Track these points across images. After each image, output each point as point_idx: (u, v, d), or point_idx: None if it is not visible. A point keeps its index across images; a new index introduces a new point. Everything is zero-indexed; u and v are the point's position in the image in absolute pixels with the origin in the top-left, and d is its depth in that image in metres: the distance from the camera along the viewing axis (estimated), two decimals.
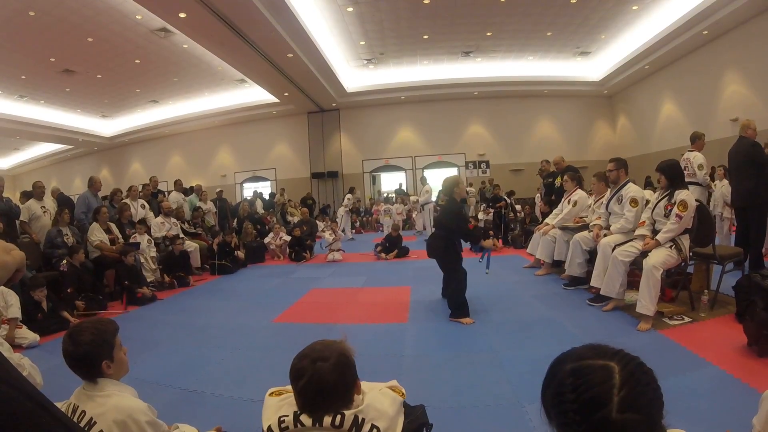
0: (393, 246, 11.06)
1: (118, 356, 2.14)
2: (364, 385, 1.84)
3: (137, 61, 15.51)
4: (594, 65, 19.08)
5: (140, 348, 4.90)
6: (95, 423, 1.98)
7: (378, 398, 1.73)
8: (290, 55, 14.20)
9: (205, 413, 3.40)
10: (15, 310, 5.31)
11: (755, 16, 12.94)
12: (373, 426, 1.62)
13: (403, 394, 1.87)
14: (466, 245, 6.19)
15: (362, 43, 15.76)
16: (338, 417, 1.60)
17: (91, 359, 2.06)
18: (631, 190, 6.00)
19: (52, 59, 14.50)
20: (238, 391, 3.81)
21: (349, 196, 16.38)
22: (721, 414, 2.96)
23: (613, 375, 1.07)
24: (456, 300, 5.72)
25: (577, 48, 17.28)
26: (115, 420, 1.98)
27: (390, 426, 1.67)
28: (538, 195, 15.07)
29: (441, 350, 4.68)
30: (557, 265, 7.73)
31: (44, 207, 8.50)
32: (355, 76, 19.04)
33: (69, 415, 2.03)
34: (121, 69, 16.02)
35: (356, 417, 1.61)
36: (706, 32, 14.08)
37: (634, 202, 5.82)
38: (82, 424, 1.99)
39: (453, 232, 5.91)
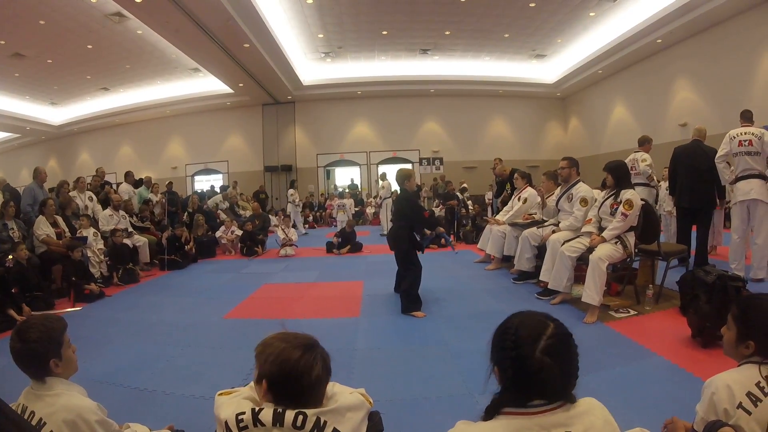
0: (346, 241, 11.06)
1: (67, 354, 2.10)
2: (335, 386, 1.84)
3: (89, 47, 15.00)
4: (549, 68, 19.53)
5: (89, 346, 4.77)
6: (45, 423, 1.94)
7: (346, 402, 1.70)
8: (246, 45, 14.01)
9: (157, 412, 3.35)
10: None
11: (708, 28, 13.53)
12: (335, 430, 1.58)
13: (370, 402, 1.84)
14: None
15: (321, 36, 15.69)
16: (300, 417, 1.55)
17: (39, 357, 2.01)
18: (582, 189, 6.18)
19: (2, 42, 13.94)
20: (189, 388, 3.76)
21: (291, 191, 16.25)
22: (666, 401, 3.07)
23: (548, 327, 1.41)
24: (410, 293, 5.78)
25: (534, 50, 17.64)
26: (64, 420, 1.95)
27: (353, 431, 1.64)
28: (489, 193, 15.35)
29: (393, 343, 4.75)
30: (507, 260, 7.90)
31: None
32: (312, 69, 18.91)
33: None
34: (73, 54, 15.47)
35: (318, 419, 1.57)
36: (660, 40, 14.62)
37: (584, 201, 6.01)
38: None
39: (412, 220, 6.03)
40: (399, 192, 6.56)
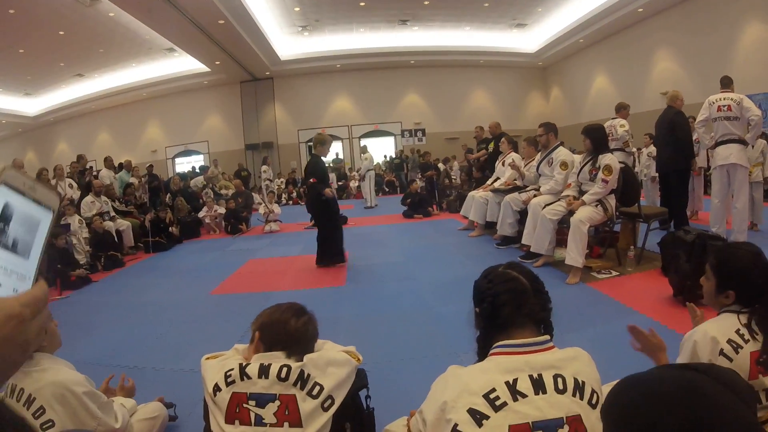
0: None
1: (50, 327, 2.14)
2: (326, 343, 1.95)
3: (61, 33, 14.63)
4: (530, 37, 19.46)
5: (78, 332, 4.77)
6: (34, 399, 1.98)
7: (328, 356, 1.77)
8: (221, 22, 13.77)
9: (147, 387, 3.36)
10: None
11: None
12: (316, 384, 1.66)
13: (359, 359, 1.89)
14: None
15: (297, 9, 15.47)
16: (284, 369, 1.64)
17: None
18: (562, 153, 6.25)
19: None
20: (178, 363, 3.82)
21: (264, 167, 16.17)
22: (648, 358, 3.12)
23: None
24: (330, 245, 6.57)
25: (514, 20, 17.55)
26: (53, 394, 1.98)
27: (336, 387, 1.70)
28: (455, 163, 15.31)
29: (378, 310, 4.83)
30: (490, 227, 7.96)
31: None
32: (289, 43, 18.64)
33: (8, 394, 2.03)
34: (45, 42, 15.03)
35: (302, 371, 1.66)
36: (641, 9, 14.62)
37: (564, 165, 6.08)
38: (21, 402, 1.98)
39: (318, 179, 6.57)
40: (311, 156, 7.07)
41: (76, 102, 21.89)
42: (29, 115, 22.49)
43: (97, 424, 2.07)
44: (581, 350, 1.50)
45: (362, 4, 15.44)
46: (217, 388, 1.67)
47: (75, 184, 9.98)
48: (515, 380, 1.37)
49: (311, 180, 6.66)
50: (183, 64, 19.20)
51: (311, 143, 21.36)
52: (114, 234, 9.06)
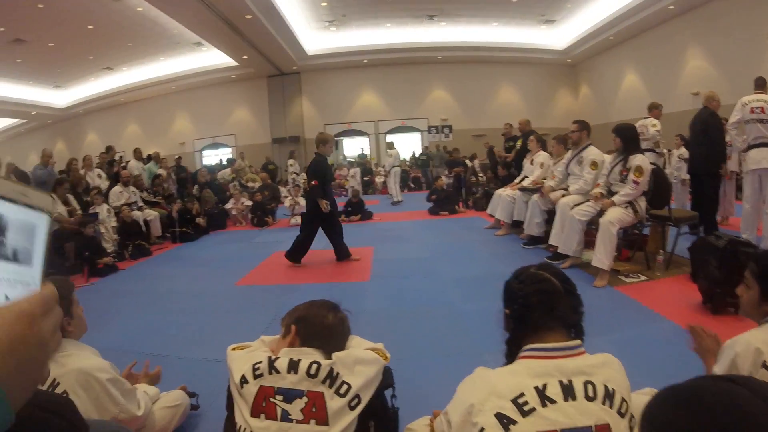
0: (356, 210, 11.09)
1: (77, 312, 2.15)
2: (354, 338, 1.93)
3: (90, 27, 14.87)
4: (558, 34, 19.17)
5: (103, 317, 4.84)
6: (58, 384, 1.98)
7: (357, 355, 1.75)
8: (249, 16, 13.81)
9: (170, 375, 3.38)
10: None
11: None
12: (344, 382, 1.65)
13: (387, 357, 1.88)
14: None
15: (324, 4, 15.48)
16: (314, 366, 1.63)
17: None
18: (592, 152, 6.10)
19: (1, 29, 13.81)
20: (202, 352, 3.83)
21: (291, 161, 16.20)
22: (676, 364, 3.00)
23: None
24: (296, 245, 6.74)
25: (542, 16, 17.30)
26: (77, 379, 1.99)
27: (364, 386, 1.68)
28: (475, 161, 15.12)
29: (402, 305, 4.79)
30: (516, 226, 7.86)
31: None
32: (316, 38, 18.65)
33: None
34: (74, 35, 15.31)
35: (331, 369, 1.64)
36: (672, 7, 14.27)
37: (594, 164, 5.93)
38: (45, 386, 1.98)
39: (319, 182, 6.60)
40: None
41: (105, 94, 22.26)
42: (59, 106, 22.98)
43: (119, 410, 2.07)
44: (612, 356, 1.47)
45: None
46: (244, 380, 1.66)
47: (104, 174, 10.16)
48: (545, 385, 1.34)
49: (313, 182, 6.68)
50: (211, 58, 19.33)
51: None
52: (142, 223, 9.20)
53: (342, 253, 6.81)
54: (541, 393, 1.33)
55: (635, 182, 5.09)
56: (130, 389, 2.20)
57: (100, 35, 15.72)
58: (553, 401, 1.32)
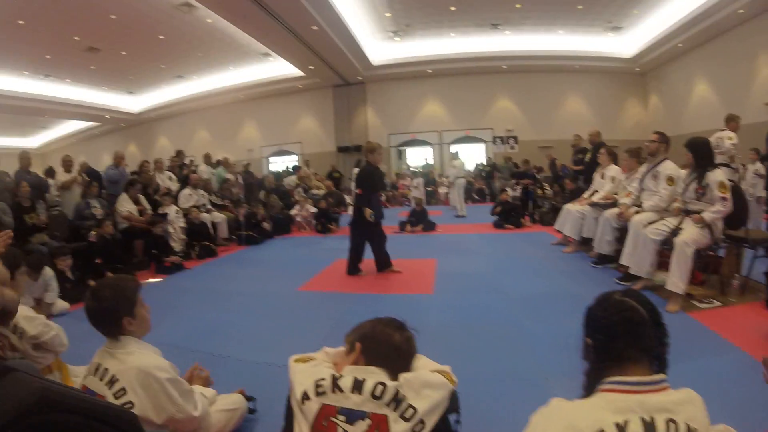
0: (419, 220, 11.02)
1: (140, 313, 2.17)
2: (420, 359, 1.86)
3: (161, 37, 15.47)
4: (626, 41, 18.45)
5: (166, 313, 4.98)
6: (117, 380, 2.02)
7: (424, 378, 1.68)
8: (315, 28, 13.98)
9: (229, 376, 3.44)
10: (52, 296, 5.46)
11: None
12: (410, 406, 1.58)
13: (454, 382, 1.81)
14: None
15: (388, 14, 15.51)
16: (379, 387, 1.58)
17: (112, 315, 2.09)
18: (669, 167, 5.75)
19: (76, 38, 14.54)
20: (261, 355, 3.86)
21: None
22: (748, 398, 2.87)
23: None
24: (350, 257, 6.80)
25: (609, 23, 16.75)
26: (136, 377, 2.02)
27: (429, 411, 1.61)
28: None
29: (465, 321, 4.64)
30: (585, 243, 7.53)
31: (76, 180, 8.70)
32: (380, 48, 18.69)
33: (93, 373, 2.10)
34: (146, 45, 16.00)
35: (397, 391, 1.59)
36: (741, 11, 13.46)
37: (670, 180, 5.59)
38: (104, 381, 2.03)
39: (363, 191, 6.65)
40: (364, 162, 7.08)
41: (176, 102, 23.15)
42: (132, 111, 24.07)
43: (176, 410, 2.08)
44: (694, 393, 1.37)
45: (453, 8, 15.21)
46: (305, 396, 1.63)
47: (174, 177, 10.55)
48: (626, 422, 1.25)
49: (357, 191, 6.77)
50: (278, 68, 19.68)
51: (400, 147, 22.15)
52: (209, 225, 9.52)
53: (382, 264, 6.81)
54: (622, 430, 1.25)
55: (724, 198, 4.74)
56: (189, 390, 2.22)
57: (171, 45, 16.33)
58: None
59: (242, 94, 22.21)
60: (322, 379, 1.63)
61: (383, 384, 1.59)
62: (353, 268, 6.76)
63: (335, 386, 1.61)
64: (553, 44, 18.46)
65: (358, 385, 1.59)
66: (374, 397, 1.57)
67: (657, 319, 1.48)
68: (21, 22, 12.73)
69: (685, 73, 17.83)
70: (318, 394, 1.61)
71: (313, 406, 1.60)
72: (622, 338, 1.41)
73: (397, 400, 1.58)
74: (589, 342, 1.52)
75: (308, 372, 1.71)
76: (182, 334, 4.47)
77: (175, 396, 2.08)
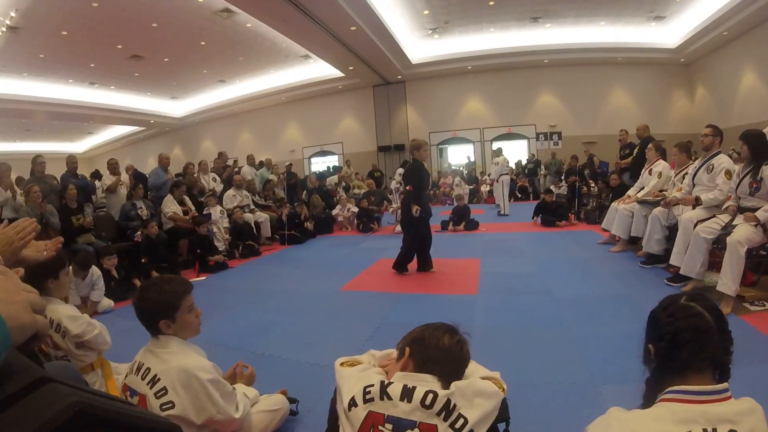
0: (461, 219, 10.90)
1: (183, 318, 2.18)
2: (470, 366, 1.81)
3: (202, 43, 15.78)
4: (669, 31, 17.84)
5: (210, 312, 5.01)
6: (159, 379, 2.05)
7: (477, 386, 1.62)
8: (353, 28, 14.04)
9: (272, 375, 3.44)
10: (99, 294, 5.59)
11: None
12: (461, 416, 1.52)
13: (504, 389, 1.76)
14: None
15: (426, 12, 15.40)
16: (430, 396, 1.52)
17: (151, 316, 2.13)
18: (724, 160, 5.52)
19: (119, 46, 14.98)
20: (305, 355, 3.86)
21: (400, 170, 15.98)
22: None
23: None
24: (401, 254, 6.69)
25: (651, 12, 16.21)
26: (178, 377, 2.04)
27: (480, 421, 1.54)
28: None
29: (511, 323, 4.54)
30: (633, 242, 7.30)
31: (121, 181, 8.90)
32: (419, 46, 18.62)
33: (134, 372, 2.13)
34: (187, 51, 16.38)
35: (449, 401, 1.52)
36: None
37: (728, 173, 5.31)
38: (145, 381, 2.04)
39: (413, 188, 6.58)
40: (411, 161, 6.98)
41: (219, 105, 23.67)
42: (176, 116, 24.82)
43: (217, 411, 2.09)
44: (756, 403, 1.31)
45: (491, 3, 14.97)
46: (353, 403, 1.57)
47: (218, 178, 10.70)
48: None
49: (408, 188, 6.68)
50: (318, 69, 19.85)
51: (441, 145, 22.05)
52: (252, 225, 9.70)
53: (424, 265, 6.77)
54: None
55: None
56: (230, 391, 2.22)
57: (213, 50, 16.65)
58: None
59: (284, 96, 22.53)
60: (371, 386, 1.58)
61: (434, 392, 1.52)
62: (401, 265, 6.73)
63: (384, 393, 1.55)
64: (595, 36, 18.04)
65: (407, 393, 1.53)
66: (424, 405, 1.51)
67: (723, 327, 1.39)
68: (64, 33, 13.21)
69: (732, 62, 17.07)
70: (366, 401, 1.56)
71: (360, 413, 1.55)
72: (687, 347, 1.35)
73: (447, 410, 1.51)
74: (651, 348, 1.45)
75: (357, 377, 1.67)
76: (226, 332, 4.52)
77: (216, 397, 2.09)
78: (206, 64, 18.35)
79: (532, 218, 10.92)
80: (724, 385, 1.32)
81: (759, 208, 4.63)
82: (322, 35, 14.36)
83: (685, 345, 1.34)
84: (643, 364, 1.51)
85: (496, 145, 16.10)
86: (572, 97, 20.57)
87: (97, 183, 9.75)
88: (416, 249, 6.71)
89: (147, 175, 10.00)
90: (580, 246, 8.24)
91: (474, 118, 21.44)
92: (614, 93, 20.57)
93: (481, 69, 20.33)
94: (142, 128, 26.13)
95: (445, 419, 1.49)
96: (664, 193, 6.88)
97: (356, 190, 14.74)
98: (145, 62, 16.77)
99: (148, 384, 2.04)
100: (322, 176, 16.40)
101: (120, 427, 0.83)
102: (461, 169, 20.72)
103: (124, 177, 9.49)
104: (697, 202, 5.51)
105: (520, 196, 17.86)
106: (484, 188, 18.02)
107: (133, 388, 2.08)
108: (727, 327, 1.40)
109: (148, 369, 2.07)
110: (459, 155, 22.39)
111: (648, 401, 1.40)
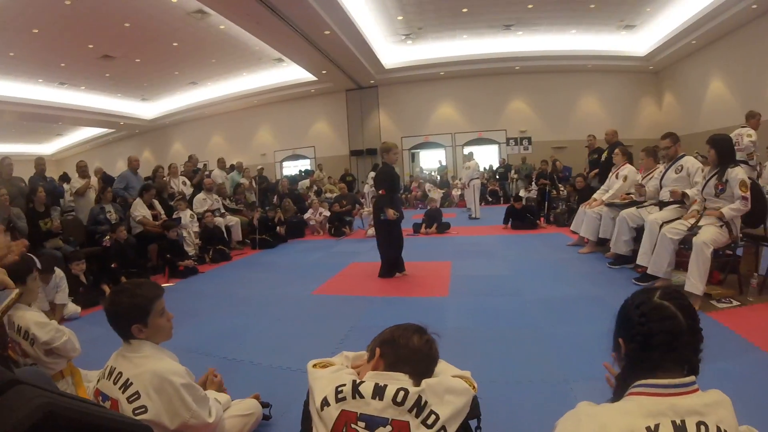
0: (433, 220, 10.99)
1: (155, 322, 2.16)
2: (440, 363, 1.83)
3: (175, 44, 15.61)
4: (639, 39, 18.30)
5: (181, 318, 4.91)
6: (131, 384, 2.02)
7: (447, 383, 1.64)
8: (327, 32, 14.02)
9: (244, 381, 3.43)
10: (63, 296, 5.48)
11: None
12: (432, 412, 1.54)
13: (474, 387, 1.77)
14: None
15: (400, 18, 15.48)
16: (401, 393, 1.54)
17: (123, 321, 2.10)
18: (690, 161, 5.75)
19: (91, 46, 14.72)
20: (277, 359, 3.84)
21: (372, 174, 16.05)
22: None
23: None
24: (390, 259, 6.63)
25: (621, 21, 16.58)
26: (151, 381, 2.01)
27: (452, 417, 1.57)
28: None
29: (483, 324, 4.59)
30: (602, 244, 7.45)
31: (91, 185, 8.76)
32: (393, 52, 18.72)
33: (106, 376, 2.10)
34: (159, 52, 16.16)
35: (420, 397, 1.54)
36: (755, 6, 13.21)
37: (702, 170, 5.57)
38: (117, 385, 2.02)
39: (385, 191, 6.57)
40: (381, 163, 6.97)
41: (190, 108, 23.39)
42: (146, 118, 24.39)
43: (191, 416, 2.07)
44: (723, 394, 1.33)
45: (465, 10, 15.15)
46: (325, 402, 1.58)
47: (188, 182, 10.59)
48: (657, 426, 1.22)
49: (380, 191, 6.66)
50: (291, 73, 19.78)
51: (413, 150, 22.17)
52: (223, 229, 9.55)
53: (389, 271, 6.76)
54: None
55: (744, 198, 4.66)
56: (203, 396, 2.20)
57: (185, 52, 16.47)
58: None
59: (256, 99, 22.41)
60: (343, 385, 1.59)
61: (405, 390, 1.54)
62: (389, 271, 6.73)
63: (356, 392, 1.57)
64: (566, 44, 18.39)
65: (379, 391, 1.55)
66: (396, 403, 1.53)
67: (695, 327, 1.40)
68: (35, 30, 12.91)
69: (700, 70, 17.60)
70: (338, 400, 1.57)
71: (333, 412, 1.56)
72: (659, 349, 1.35)
73: (419, 406, 1.53)
74: (622, 345, 1.45)
75: (329, 378, 1.68)
76: (197, 338, 4.46)
77: (189, 401, 2.07)
78: (178, 66, 18.13)
79: (504, 224, 11.03)
80: (691, 378, 1.33)
81: None
82: (295, 39, 14.30)
83: (657, 347, 1.35)
84: (612, 350, 1.53)
85: (467, 150, 16.17)
86: (543, 103, 20.92)
87: (65, 186, 9.58)
88: (396, 251, 6.71)
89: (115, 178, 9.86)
90: (549, 248, 8.38)
91: (446, 123, 21.62)
92: (584, 99, 20.97)
93: (453, 75, 20.55)
94: (112, 130, 25.66)
95: (417, 415, 1.51)
96: (632, 195, 7.08)
97: (328, 194, 14.73)
98: (116, 62, 16.49)
99: (120, 388, 2.01)
100: (294, 180, 16.35)
101: (89, 428, 0.83)
102: (434, 174, 20.84)
103: (93, 180, 9.33)
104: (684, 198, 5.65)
105: (491, 200, 18.02)
106: (456, 192, 18.14)
107: (105, 393, 2.05)
108: (698, 326, 1.41)
109: (120, 373, 2.04)
110: (431, 160, 22.53)
111: (617, 395, 1.42)
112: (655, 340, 1.35)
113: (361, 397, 1.55)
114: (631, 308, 1.46)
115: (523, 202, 11.58)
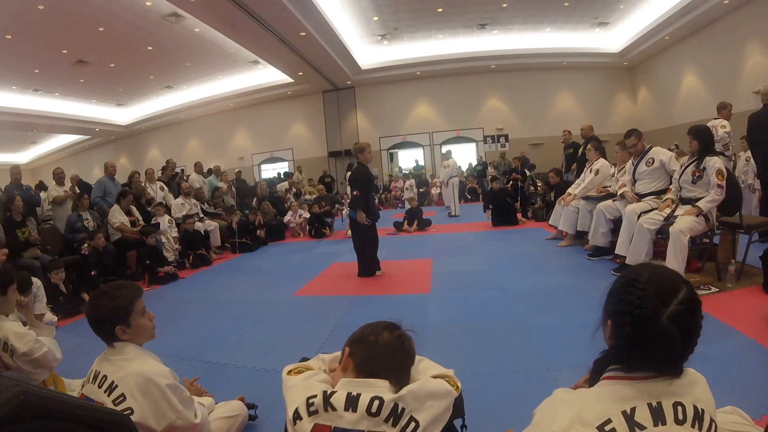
0: (413, 218, 11.08)
1: (137, 322, 2.15)
2: (421, 362, 1.80)
3: (149, 48, 15.44)
4: (613, 36, 18.56)
5: (163, 324, 4.85)
6: (116, 386, 2.00)
7: (428, 387, 1.54)
8: (303, 34, 13.98)
9: (228, 384, 3.43)
10: (41, 306, 5.39)
11: None
12: (411, 419, 1.45)
13: (458, 387, 1.72)
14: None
15: (375, 18, 15.51)
16: (375, 402, 1.44)
17: (106, 323, 2.08)
18: (659, 151, 5.88)
19: (64, 51, 14.49)
20: (261, 362, 3.84)
21: (348, 173, 16.07)
22: (751, 381, 2.89)
23: (681, 290, 1.28)
24: (368, 258, 6.65)
25: (596, 18, 16.81)
26: (136, 383, 1.99)
27: (432, 421, 1.48)
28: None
29: (464, 319, 4.63)
30: (580, 236, 7.58)
31: (66, 191, 8.63)
32: (369, 52, 18.75)
33: (91, 381, 2.07)
34: (134, 56, 15.98)
35: (396, 405, 1.45)
36: (726, 2, 13.51)
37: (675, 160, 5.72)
38: (102, 389, 2.01)
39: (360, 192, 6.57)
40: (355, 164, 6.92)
41: (166, 112, 23.10)
42: (121, 123, 24.04)
43: (177, 417, 2.06)
44: (698, 374, 1.34)
45: (440, 10, 15.24)
46: (297, 416, 1.48)
47: (165, 187, 10.49)
48: (633, 409, 1.22)
49: (354, 192, 6.65)
50: (267, 75, 19.74)
51: (392, 150, 22.20)
52: (202, 234, 9.43)
53: (369, 269, 6.77)
54: (630, 418, 1.21)
55: (720, 186, 4.76)
56: (188, 397, 2.20)
57: (160, 56, 16.32)
58: (642, 427, 1.20)
59: (232, 102, 22.28)
60: (314, 396, 1.49)
61: (380, 398, 1.45)
62: (371, 270, 6.74)
63: (327, 404, 1.47)
64: (541, 42, 18.56)
65: (352, 402, 1.46)
66: (370, 414, 1.44)
67: (691, 338, 1.31)
68: (8, 36, 12.68)
69: (673, 65, 17.91)
70: (310, 413, 1.48)
71: (306, 426, 1.47)
72: (646, 354, 1.27)
73: (396, 415, 1.44)
74: (610, 326, 1.35)
75: (300, 387, 1.58)
76: (179, 344, 4.43)
77: (175, 402, 2.06)
78: (153, 70, 17.94)
79: (485, 211, 11.12)
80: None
81: (699, 199, 4.91)
82: (271, 40, 14.25)
83: (646, 352, 1.27)
84: (599, 323, 1.43)
85: (445, 149, 16.24)
86: (519, 100, 21.13)
87: (42, 194, 9.43)
88: (372, 251, 6.73)
89: (92, 186, 9.73)
90: (529, 243, 8.46)
91: (423, 123, 21.71)
92: (559, 96, 21.21)
93: (429, 74, 20.64)
94: (87, 137, 25.25)
95: (394, 425, 1.44)
96: (608, 188, 7.20)
97: (307, 196, 14.69)
98: (90, 68, 16.26)
99: (105, 392, 1.99)
100: (272, 183, 16.29)
101: (67, 417, 0.83)
102: (411, 173, 20.89)
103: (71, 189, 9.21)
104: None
105: (470, 197, 18.14)
106: (435, 191, 18.21)
107: (91, 398, 2.02)
108: (695, 340, 1.32)
109: (105, 377, 2.03)
110: (409, 159, 22.55)
111: (593, 380, 1.41)
112: (646, 348, 1.27)
113: (333, 409, 1.46)
114: (624, 305, 1.31)
115: (501, 186, 11.62)
